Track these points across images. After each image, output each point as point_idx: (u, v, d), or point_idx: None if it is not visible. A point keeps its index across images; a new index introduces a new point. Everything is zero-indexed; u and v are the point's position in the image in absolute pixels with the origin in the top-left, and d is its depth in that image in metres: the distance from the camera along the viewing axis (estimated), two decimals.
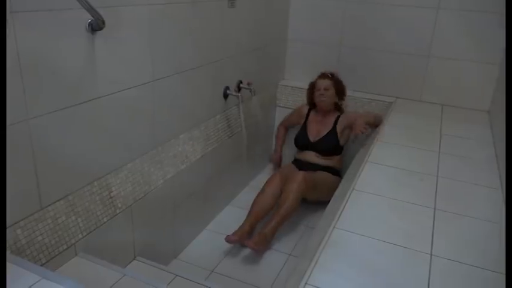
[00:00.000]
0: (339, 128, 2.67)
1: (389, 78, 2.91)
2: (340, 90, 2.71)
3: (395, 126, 2.40)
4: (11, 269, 1.06)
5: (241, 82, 2.54)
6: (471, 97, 2.74)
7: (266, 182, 2.48)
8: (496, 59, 2.58)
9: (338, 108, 2.75)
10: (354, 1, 2.85)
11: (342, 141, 2.68)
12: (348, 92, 2.79)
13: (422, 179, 1.78)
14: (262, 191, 2.43)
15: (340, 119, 2.69)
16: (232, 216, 2.55)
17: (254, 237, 2.16)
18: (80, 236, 1.51)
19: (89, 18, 1.37)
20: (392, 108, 2.73)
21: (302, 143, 2.74)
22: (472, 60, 2.68)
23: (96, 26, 1.39)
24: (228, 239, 2.18)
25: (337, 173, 2.66)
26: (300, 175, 2.37)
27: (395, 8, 2.75)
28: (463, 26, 2.64)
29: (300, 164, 2.67)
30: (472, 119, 2.60)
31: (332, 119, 2.70)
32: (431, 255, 1.30)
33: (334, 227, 1.41)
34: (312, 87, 2.74)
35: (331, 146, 2.65)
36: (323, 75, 2.70)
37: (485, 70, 2.64)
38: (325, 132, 2.67)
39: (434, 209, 1.56)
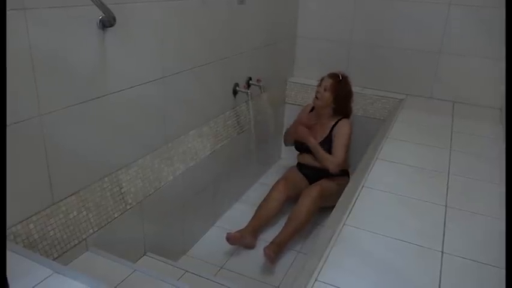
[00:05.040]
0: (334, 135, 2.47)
1: (400, 75, 2.88)
2: (340, 96, 2.46)
3: (406, 123, 2.38)
4: (23, 263, 1.08)
5: (250, 79, 2.54)
6: (483, 94, 2.71)
7: (271, 188, 2.47)
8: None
9: (340, 112, 2.51)
10: None
11: None
12: (358, 89, 2.75)
13: (433, 176, 1.77)
14: (268, 196, 2.42)
15: (339, 124, 2.48)
16: (241, 212, 2.55)
17: (270, 246, 2.12)
18: (91, 231, 1.52)
19: (100, 14, 1.38)
20: (402, 105, 2.71)
21: (299, 143, 2.59)
22: (483, 57, 2.64)
23: (107, 22, 1.40)
24: (228, 236, 2.17)
25: (345, 172, 2.58)
26: (315, 191, 2.32)
27: (406, 3, 2.73)
28: (474, 22, 2.60)
29: (302, 168, 2.59)
30: (484, 116, 2.57)
31: (330, 124, 2.49)
32: (442, 252, 1.29)
33: (344, 224, 1.41)
34: (319, 82, 2.53)
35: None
36: (330, 75, 2.50)
37: (497, 67, 2.60)
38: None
39: (446, 206, 1.54)
